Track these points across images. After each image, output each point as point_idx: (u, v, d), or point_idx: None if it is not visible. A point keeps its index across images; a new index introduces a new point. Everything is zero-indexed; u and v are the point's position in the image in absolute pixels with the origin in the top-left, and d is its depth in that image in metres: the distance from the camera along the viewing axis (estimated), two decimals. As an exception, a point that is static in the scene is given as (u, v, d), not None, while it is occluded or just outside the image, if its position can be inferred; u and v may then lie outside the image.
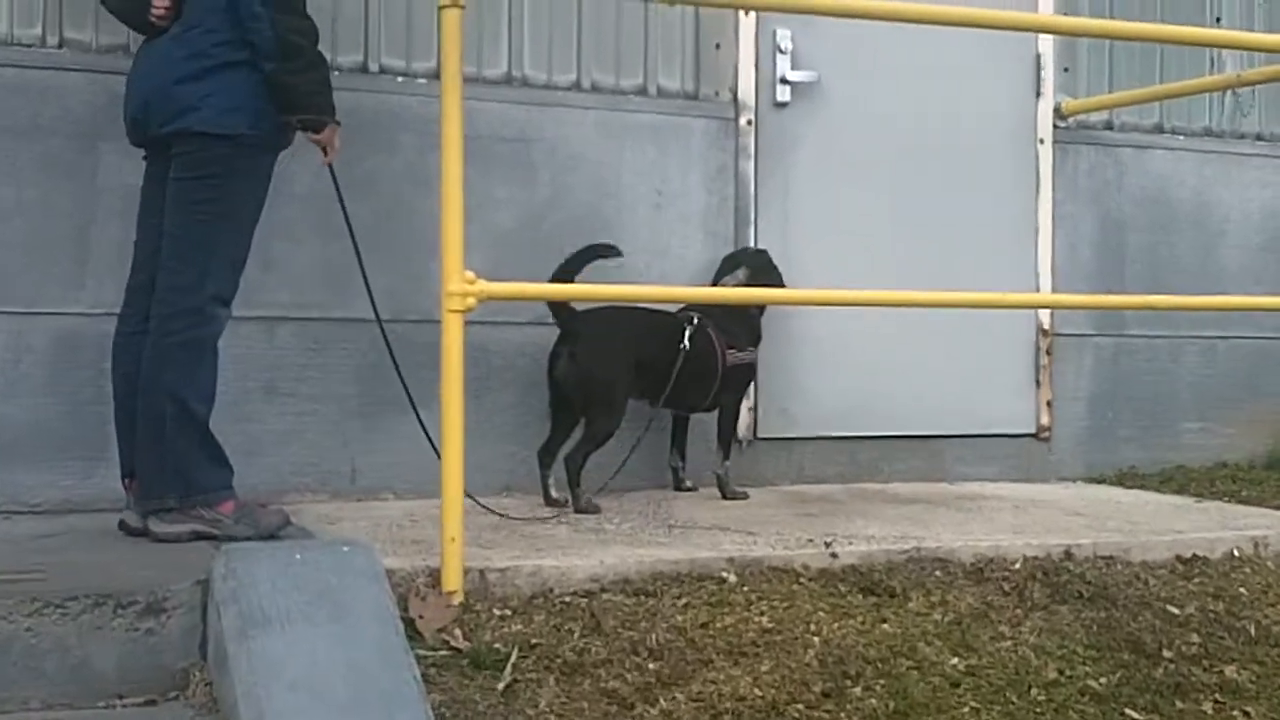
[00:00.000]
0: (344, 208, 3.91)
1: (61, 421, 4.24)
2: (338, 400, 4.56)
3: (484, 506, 4.22)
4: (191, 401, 3.55)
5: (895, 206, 5.35)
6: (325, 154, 3.81)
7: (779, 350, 5.09)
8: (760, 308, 4.90)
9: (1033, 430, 5.60)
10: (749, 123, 5.16)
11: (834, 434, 5.27)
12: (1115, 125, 5.80)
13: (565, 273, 4.39)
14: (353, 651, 2.89)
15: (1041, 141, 5.64)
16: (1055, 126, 5.65)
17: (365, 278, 3.97)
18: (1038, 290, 5.60)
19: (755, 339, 4.86)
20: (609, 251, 4.53)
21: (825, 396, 5.26)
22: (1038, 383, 5.60)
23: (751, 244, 5.13)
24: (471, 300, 3.32)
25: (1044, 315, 5.62)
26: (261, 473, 4.39)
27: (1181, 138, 5.89)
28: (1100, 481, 5.58)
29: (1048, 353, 5.62)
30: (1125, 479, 5.58)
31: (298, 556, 3.11)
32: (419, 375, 4.41)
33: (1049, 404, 5.61)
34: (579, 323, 4.49)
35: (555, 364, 4.52)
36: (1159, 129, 5.86)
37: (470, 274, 3.33)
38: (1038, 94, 5.62)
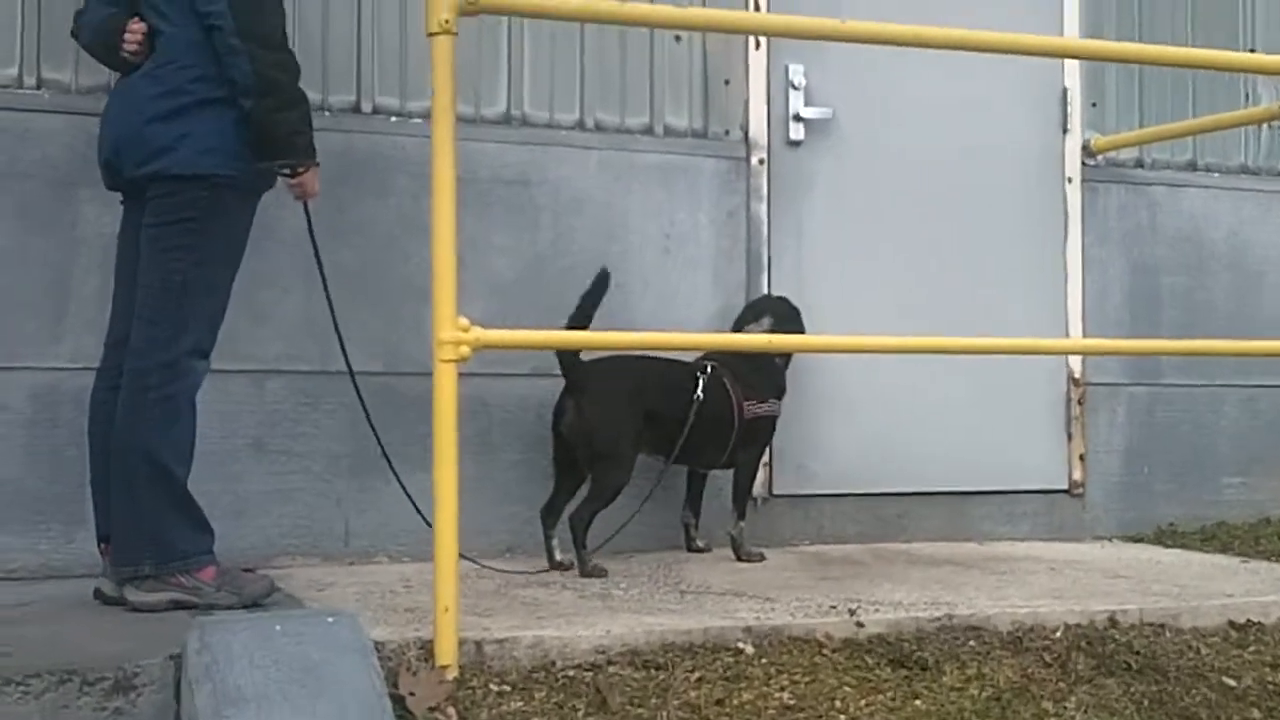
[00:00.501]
0: (317, 253, 3.71)
1: (40, 481, 4.00)
2: (330, 457, 4.31)
3: (482, 565, 3.97)
4: (168, 461, 3.31)
5: (915, 250, 5.12)
6: (301, 196, 3.57)
7: (795, 402, 4.82)
8: (785, 358, 4.64)
9: (1064, 486, 5.32)
10: (761, 162, 4.94)
11: (854, 491, 5.00)
12: (1146, 163, 5.56)
13: (582, 317, 4.15)
14: (334, 736, 2.63)
15: (1069, 180, 5.41)
16: (1084, 164, 5.41)
17: (336, 327, 3.78)
18: (1067, 336, 5.35)
19: (778, 391, 4.60)
20: (605, 282, 4.24)
21: (844, 451, 5.01)
22: (1069, 435, 5.34)
23: (765, 289, 4.90)
24: (465, 349, 3.07)
25: (1075, 363, 5.36)
26: (250, 534, 4.15)
27: (1216, 175, 5.65)
28: (1138, 540, 5.30)
29: (1079, 403, 5.36)
30: (1164, 537, 5.30)
31: (278, 628, 2.85)
32: (416, 431, 4.19)
33: (1081, 458, 5.34)
34: (584, 373, 4.24)
35: (560, 418, 4.27)
36: (1192, 166, 5.62)
37: (464, 321, 3.08)
38: (1065, 130, 5.38)
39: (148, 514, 3.30)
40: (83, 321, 3.96)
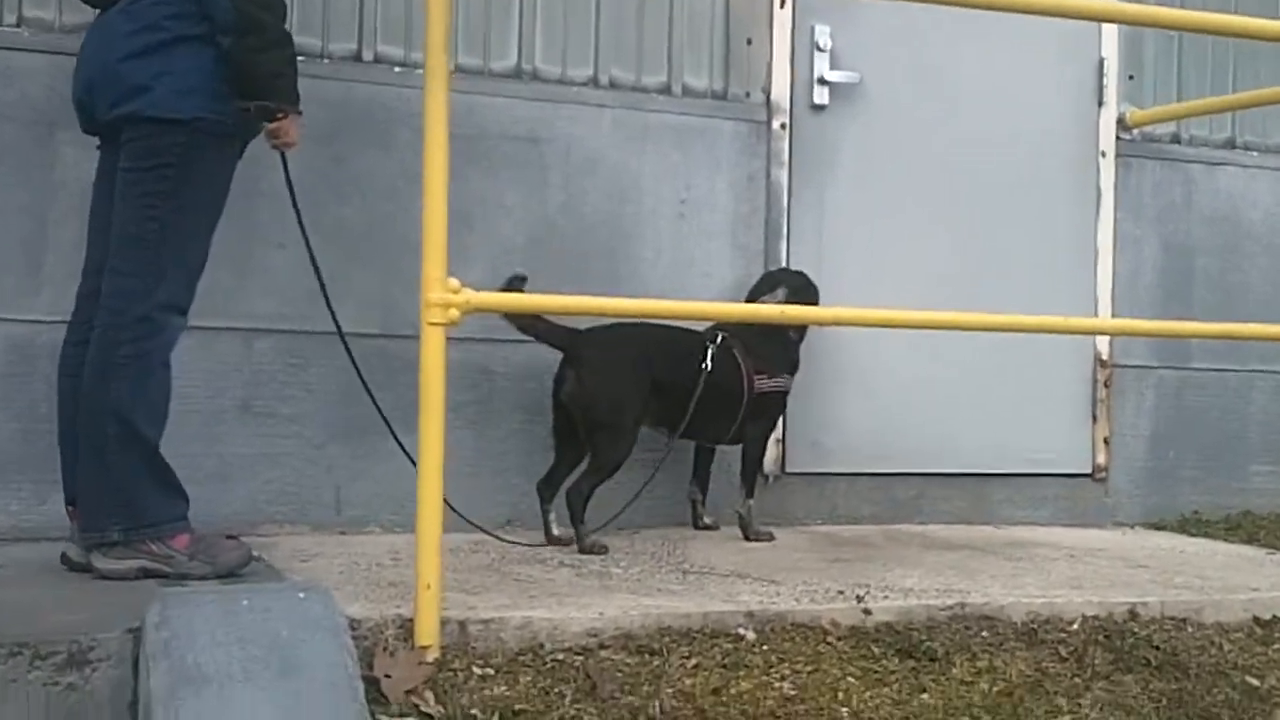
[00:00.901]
0: (295, 205, 3.51)
1: (12, 440, 3.84)
2: (321, 422, 4.14)
3: (484, 530, 3.81)
4: (139, 422, 3.13)
5: (941, 222, 4.92)
6: (279, 145, 3.39)
7: (810, 376, 4.63)
8: (800, 333, 4.45)
9: (1088, 470, 5.12)
10: (783, 126, 4.73)
11: (870, 470, 4.82)
12: (1184, 139, 5.34)
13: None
14: (300, 719, 2.46)
15: (1103, 154, 5.20)
16: (1118, 139, 5.20)
17: (322, 284, 3.58)
18: (1096, 316, 5.14)
19: (791, 366, 4.41)
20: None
21: (861, 429, 4.82)
22: (1094, 418, 5.14)
23: (784, 258, 4.71)
24: (455, 312, 2.89)
25: (1102, 344, 5.16)
26: (234, 500, 4.00)
27: (1255, 154, 5.43)
28: (1160, 527, 5.10)
29: (1106, 385, 5.15)
30: (1188, 525, 5.10)
31: (245, 603, 2.68)
32: (410, 397, 3.97)
33: (1106, 441, 5.14)
34: (584, 342, 4.06)
35: (560, 386, 4.09)
36: (1231, 144, 5.41)
37: (454, 282, 2.90)
38: (1100, 102, 5.17)
39: (117, 478, 3.13)
40: (61, 272, 3.78)
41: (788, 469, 4.71)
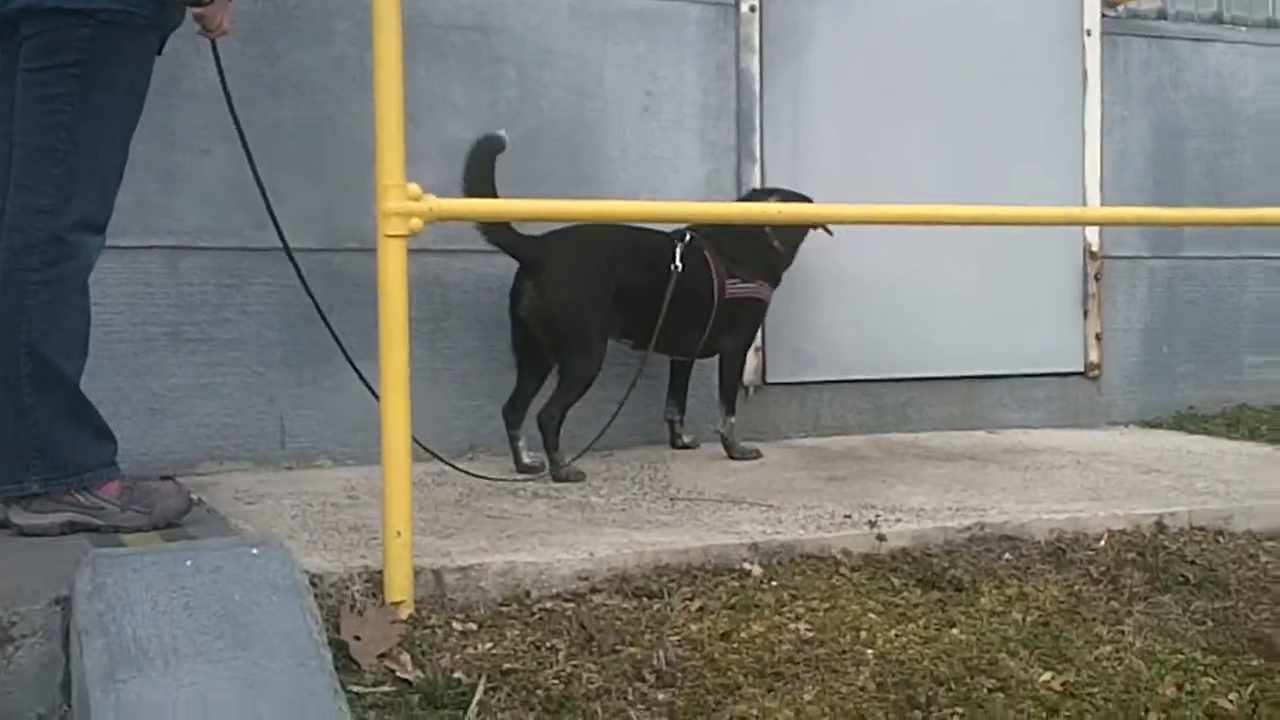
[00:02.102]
0: (231, 106, 3.10)
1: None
2: (261, 346, 3.76)
3: (449, 464, 3.46)
4: (54, 357, 2.73)
5: (921, 109, 4.60)
6: (208, 33, 2.98)
7: (790, 281, 4.31)
8: (789, 246, 4.10)
9: (1080, 368, 4.87)
10: (752, 9, 4.37)
11: (854, 377, 4.53)
12: (1170, 14, 5.04)
13: (483, 184, 3.54)
14: (262, 698, 2.13)
15: (1088, 33, 4.89)
16: (1103, 16, 4.90)
17: (264, 193, 3.17)
18: (1084, 205, 4.84)
19: (769, 275, 4.06)
20: (495, 143, 3.61)
21: (843, 334, 4.51)
22: (1085, 313, 4.87)
23: (757, 151, 4.37)
24: (416, 222, 2.52)
25: (1092, 235, 4.89)
26: (167, 436, 3.63)
27: (1243, 29, 5.16)
28: (1156, 425, 4.87)
29: (1096, 278, 4.88)
30: (1184, 422, 4.88)
31: (189, 563, 2.32)
32: (361, 317, 3.63)
33: (1098, 337, 4.88)
34: (542, 249, 3.67)
35: (518, 300, 3.71)
36: (1218, 19, 5.13)
37: (415, 188, 2.53)
38: (1085, -24, 4.83)
39: (33, 421, 2.74)
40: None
41: (768, 379, 4.40)
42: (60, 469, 2.77)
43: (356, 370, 3.24)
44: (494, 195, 3.49)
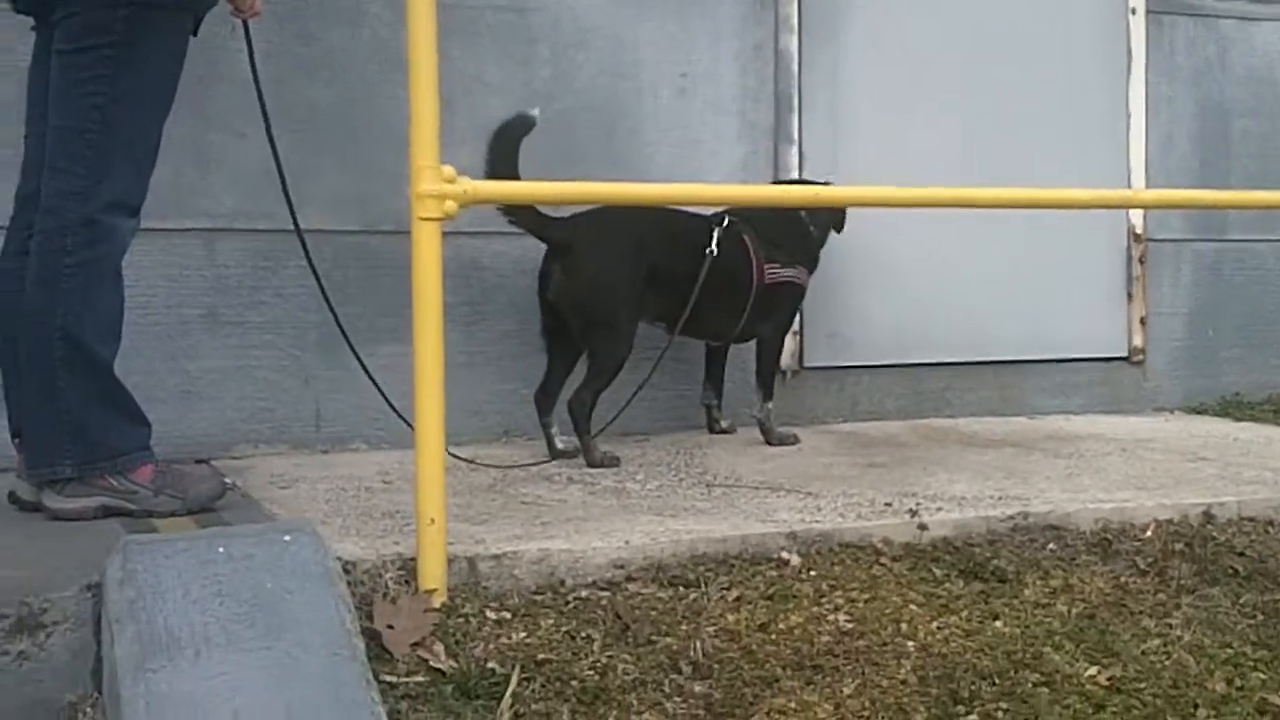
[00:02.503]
0: (258, 86, 3.06)
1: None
2: (296, 329, 3.73)
3: (474, 463, 3.42)
4: (88, 340, 2.71)
5: (961, 89, 4.53)
6: (241, 14, 2.95)
7: (827, 265, 4.25)
8: (822, 230, 4.04)
9: (1124, 353, 4.79)
10: (791, -12, 4.30)
11: (893, 361, 4.47)
12: (1216, -9, 4.93)
13: (506, 165, 3.48)
14: (293, 688, 2.10)
15: (1133, 11, 4.80)
16: (1148, -6, 4.78)
17: (282, 176, 3.12)
18: (1129, 187, 4.75)
19: (808, 260, 4.00)
20: (524, 123, 3.55)
21: (882, 318, 4.45)
22: (1129, 296, 4.79)
23: (795, 134, 4.30)
24: (451, 204, 2.48)
25: (1136, 217, 4.80)
26: (202, 420, 3.61)
27: (1292, 7, 5.02)
28: (1201, 412, 4.79)
29: (1141, 261, 4.79)
30: (1230, 408, 4.79)
31: (221, 550, 2.30)
32: (395, 301, 3.61)
33: (1142, 321, 4.80)
34: (570, 231, 3.61)
35: (546, 283, 3.65)
36: (1265, -3, 5.00)
37: (449, 170, 2.49)
38: (1130, -46, 4.74)
39: (67, 405, 2.72)
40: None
41: (806, 363, 4.34)
42: (93, 453, 2.75)
43: (363, 364, 3.20)
44: (516, 176, 3.43)
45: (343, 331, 3.18)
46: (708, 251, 3.72)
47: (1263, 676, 2.57)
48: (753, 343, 3.97)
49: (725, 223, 3.79)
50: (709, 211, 3.85)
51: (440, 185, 2.47)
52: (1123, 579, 2.85)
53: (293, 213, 3.11)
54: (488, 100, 3.91)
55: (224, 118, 3.58)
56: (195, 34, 2.91)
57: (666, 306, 3.73)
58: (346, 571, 2.42)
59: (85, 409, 2.74)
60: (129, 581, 2.20)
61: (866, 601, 2.65)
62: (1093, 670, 2.52)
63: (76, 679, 2.26)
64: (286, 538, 2.36)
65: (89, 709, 2.23)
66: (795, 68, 4.31)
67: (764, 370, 3.95)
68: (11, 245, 2.91)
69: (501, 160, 3.45)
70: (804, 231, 3.98)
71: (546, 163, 3.58)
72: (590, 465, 3.49)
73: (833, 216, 4.07)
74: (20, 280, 2.79)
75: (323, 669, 2.14)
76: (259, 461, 3.57)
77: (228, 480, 2.99)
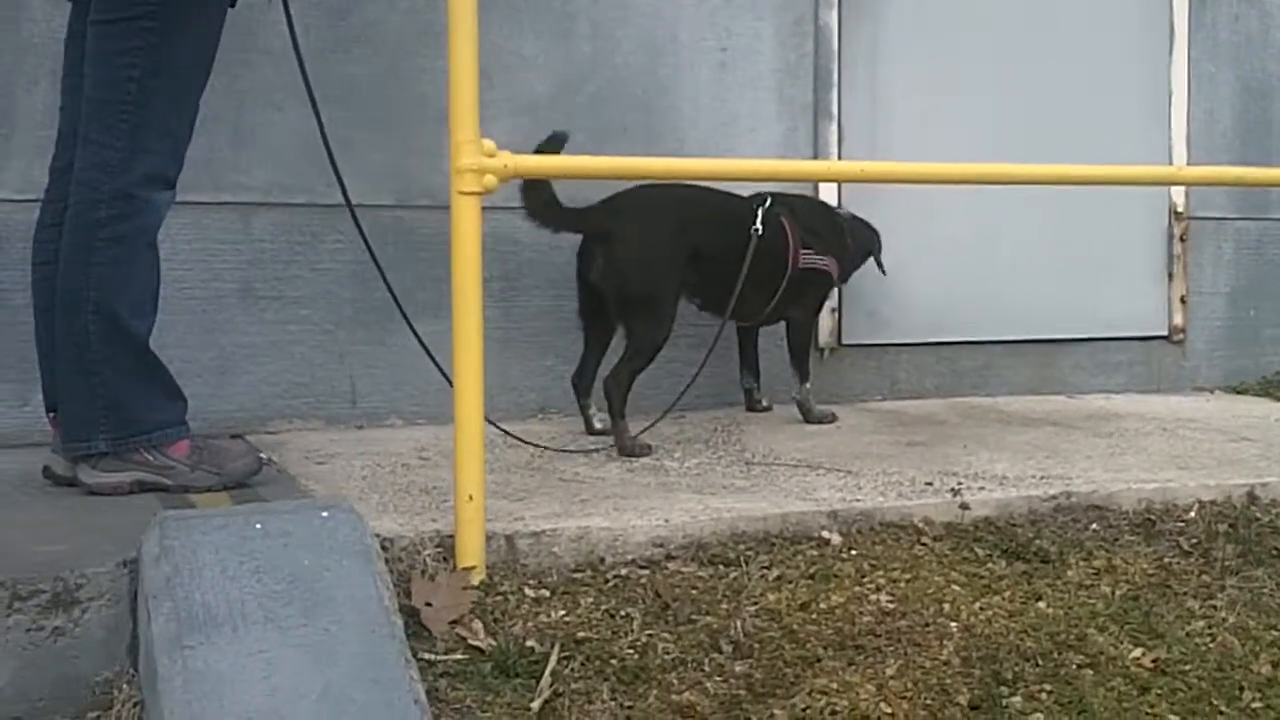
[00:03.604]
0: (300, 59, 3.00)
1: (-16, 335, 3.43)
2: (331, 304, 3.71)
3: (513, 436, 3.40)
4: (123, 314, 2.70)
5: (1002, 66, 4.47)
6: None
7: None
8: (860, 248, 4.01)
9: (1164, 332, 4.73)
10: (831, -38, 4.24)
11: (932, 339, 4.42)
12: (1261, -33, 4.85)
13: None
14: (331, 666, 2.08)
15: (1176, -15, 4.71)
16: (1192, -30, 4.71)
17: (329, 150, 3.07)
18: (1171, 164, 4.68)
19: (839, 252, 3.93)
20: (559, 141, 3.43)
21: (921, 296, 4.40)
22: (1170, 275, 4.73)
23: (835, 111, 4.25)
24: (491, 179, 2.46)
25: (1177, 195, 4.74)
26: (238, 395, 3.60)
27: (1337, -18, 4.93)
28: (1241, 391, 4.73)
29: (1182, 239, 4.73)
30: (1272, 388, 4.75)
31: (258, 526, 2.28)
32: (429, 274, 3.62)
33: (1183, 300, 4.74)
34: (610, 213, 3.53)
35: (588, 265, 3.58)
36: (1311, -29, 4.91)
37: (490, 144, 2.46)
38: (1173, -73, 4.67)
39: (102, 379, 2.71)
40: (31, 143, 3.34)
41: (844, 340, 4.30)
42: (129, 428, 2.74)
43: (417, 335, 3.16)
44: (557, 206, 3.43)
45: (396, 300, 3.14)
46: (754, 231, 3.68)
47: (1310, 660, 2.54)
48: (781, 325, 3.92)
49: (768, 203, 3.74)
50: (744, 192, 3.81)
51: (480, 159, 2.45)
52: (1166, 560, 2.81)
53: (343, 186, 3.08)
54: (525, 76, 3.89)
55: (260, 91, 3.56)
56: (234, 5, 2.88)
57: (707, 286, 3.68)
58: (384, 548, 2.40)
59: (120, 383, 2.72)
60: (165, 557, 2.18)
61: (908, 581, 2.62)
62: (1137, 652, 2.49)
63: (112, 655, 2.24)
64: (324, 514, 2.34)
65: (124, 685, 2.22)
66: (835, 43, 4.26)
67: (798, 352, 3.90)
68: (46, 217, 2.89)
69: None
70: (839, 226, 3.93)
71: (587, 137, 3.55)
72: (621, 453, 3.41)
73: (870, 241, 4.01)
74: (55, 253, 2.78)
75: (361, 647, 2.12)
76: (294, 437, 3.55)
77: (263, 456, 2.98)
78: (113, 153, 2.68)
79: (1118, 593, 2.66)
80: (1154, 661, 2.47)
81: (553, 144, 3.38)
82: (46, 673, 2.20)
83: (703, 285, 3.67)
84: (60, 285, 2.71)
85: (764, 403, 4.02)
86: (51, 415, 2.90)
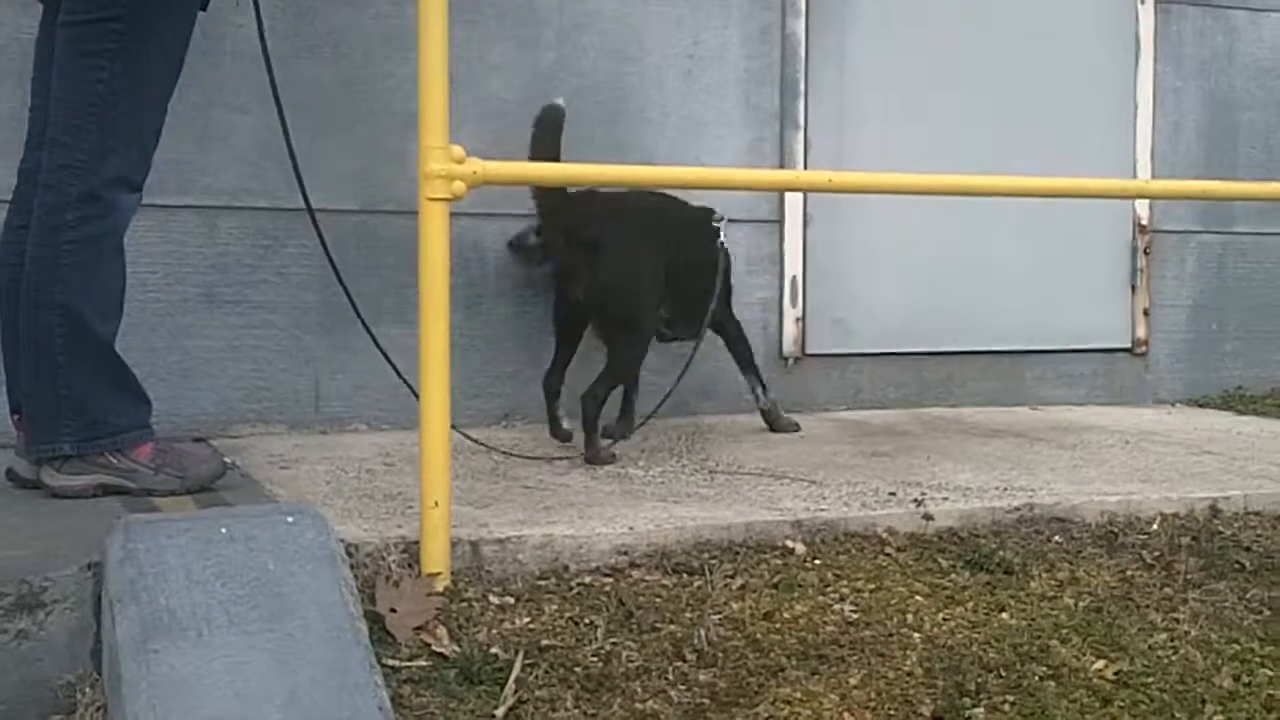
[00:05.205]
0: (268, 62, 2.99)
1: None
2: (296, 309, 3.70)
3: (478, 443, 3.39)
4: (89, 317, 2.68)
5: (969, 76, 4.49)
6: None
7: (830, 251, 4.25)
8: None
9: (1127, 344, 4.77)
10: (799, -29, 4.26)
11: (896, 350, 4.44)
12: (1226, -18, 4.90)
13: (550, 150, 3.39)
14: (296, 672, 2.07)
15: (1142, 1, 4.73)
16: (1158, -17, 4.75)
17: (292, 154, 3.06)
18: (1135, 177, 4.73)
19: None
20: (557, 113, 3.43)
21: (885, 306, 4.42)
22: (1133, 288, 4.76)
23: (801, 118, 4.27)
24: (459, 185, 2.45)
25: (1142, 208, 4.78)
26: (201, 398, 3.59)
27: (1301, 1, 4.99)
28: (1203, 405, 4.77)
29: (1145, 252, 4.77)
30: (1233, 402, 4.78)
31: (223, 531, 2.27)
32: (397, 281, 3.61)
33: (1146, 313, 4.77)
34: (595, 218, 3.48)
35: (572, 279, 3.51)
36: (1274, -12, 4.97)
37: (458, 150, 2.46)
38: (1137, -59, 4.71)
39: (67, 382, 2.69)
40: (-1, 144, 3.31)
41: (808, 350, 4.31)
42: (94, 430, 2.72)
43: (376, 342, 3.16)
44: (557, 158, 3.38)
45: (354, 306, 3.14)
46: (720, 245, 3.69)
47: (1270, 673, 2.56)
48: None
49: (717, 215, 3.75)
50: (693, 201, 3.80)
51: (449, 165, 2.44)
52: (1129, 572, 2.83)
53: (303, 190, 3.07)
54: (491, 82, 3.88)
55: (226, 93, 3.54)
56: (205, 8, 2.87)
57: (673, 302, 3.66)
58: (349, 554, 2.39)
59: (85, 386, 2.70)
60: (130, 561, 2.17)
61: (872, 591, 2.63)
62: (1100, 664, 2.50)
63: (76, 659, 2.22)
64: (290, 519, 2.32)
65: (88, 689, 2.20)
66: (803, 52, 4.27)
67: (749, 359, 3.90)
68: (14, 219, 2.87)
69: (545, 151, 3.38)
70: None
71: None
72: (589, 461, 3.38)
73: None
74: (21, 255, 2.75)
75: (326, 652, 2.12)
76: (258, 441, 3.54)
77: (228, 460, 2.96)
78: (80, 154, 2.66)
79: (1080, 604, 2.68)
80: (1116, 674, 2.49)
81: (553, 114, 3.38)
82: (9, 676, 2.18)
83: (671, 302, 3.66)
84: (26, 286, 2.69)
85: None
86: (16, 417, 2.88)
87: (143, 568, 2.16)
